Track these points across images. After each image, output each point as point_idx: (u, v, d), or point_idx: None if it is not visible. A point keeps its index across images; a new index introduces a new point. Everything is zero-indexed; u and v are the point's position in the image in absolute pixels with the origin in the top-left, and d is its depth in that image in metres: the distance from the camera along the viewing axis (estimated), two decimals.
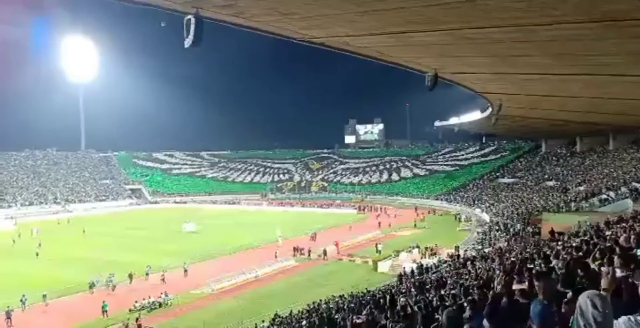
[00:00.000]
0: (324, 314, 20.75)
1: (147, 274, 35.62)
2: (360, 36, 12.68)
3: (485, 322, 4.86)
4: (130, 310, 28.07)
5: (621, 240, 9.94)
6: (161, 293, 30.26)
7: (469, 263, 25.82)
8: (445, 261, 32.46)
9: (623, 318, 2.65)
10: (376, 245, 43.86)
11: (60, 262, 40.56)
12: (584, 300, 2.63)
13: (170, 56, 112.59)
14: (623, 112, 32.38)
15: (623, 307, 3.18)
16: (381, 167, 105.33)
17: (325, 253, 42.49)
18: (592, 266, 7.20)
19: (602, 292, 2.97)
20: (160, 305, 29.56)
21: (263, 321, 24.32)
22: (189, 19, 9.59)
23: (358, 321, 10.42)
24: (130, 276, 34.50)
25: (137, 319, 25.92)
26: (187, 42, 9.82)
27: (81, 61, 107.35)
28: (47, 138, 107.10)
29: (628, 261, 5.68)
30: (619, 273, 5.19)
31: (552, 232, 27.85)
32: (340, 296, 25.64)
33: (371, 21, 11.03)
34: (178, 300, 30.08)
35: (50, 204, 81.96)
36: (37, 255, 42.81)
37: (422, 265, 33.02)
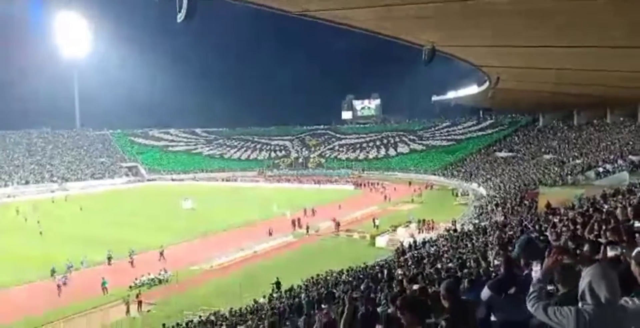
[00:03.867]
0: (323, 288, 21.00)
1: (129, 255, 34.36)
2: (357, 9, 12.47)
3: (485, 292, 4.90)
4: (130, 287, 28.32)
5: (617, 212, 9.98)
6: (160, 270, 30.52)
7: (465, 236, 26.07)
8: (443, 236, 32.70)
9: (623, 300, 2.65)
10: (373, 219, 44.14)
11: (57, 240, 40.61)
12: (594, 275, 2.63)
13: (165, 32, 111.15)
14: (621, 85, 32.21)
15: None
16: (378, 142, 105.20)
17: (338, 224, 43.52)
18: (589, 238, 7.24)
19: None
20: (159, 281, 29.84)
21: (264, 296, 24.58)
22: None
23: (355, 295, 10.48)
24: (109, 258, 34.00)
25: (137, 295, 26.18)
26: (180, 17, 9.64)
27: (75, 39, 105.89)
28: (42, 117, 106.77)
29: (620, 235, 5.69)
30: (609, 249, 5.19)
31: (548, 205, 28.11)
32: (339, 271, 25.90)
33: None
34: (177, 276, 30.32)
35: (46, 182, 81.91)
36: (40, 233, 42.29)
37: (418, 240, 33.29)
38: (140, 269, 31.48)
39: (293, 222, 44.44)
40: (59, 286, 28.30)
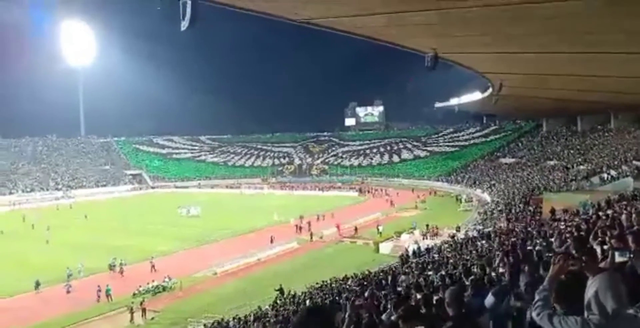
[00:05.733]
0: (328, 295, 20.92)
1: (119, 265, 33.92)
2: (361, 16, 12.52)
3: (489, 298, 4.89)
4: (134, 294, 28.25)
5: (623, 218, 9.93)
6: (164, 277, 30.46)
7: (470, 243, 25.99)
8: (447, 242, 32.60)
9: (632, 311, 2.62)
10: (377, 226, 44.02)
11: (63, 248, 40.54)
12: (600, 284, 2.60)
13: (169, 39, 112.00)
14: (623, 91, 32.16)
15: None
16: (382, 149, 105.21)
17: (356, 229, 44.08)
18: (593, 245, 7.20)
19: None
20: (163, 288, 29.76)
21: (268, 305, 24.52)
22: (185, 2, 9.46)
23: (358, 303, 10.44)
24: (113, 266, 33.60)
25: (141, 303, 26.13)
26: (184, 25, 9.71)
27: (80, 47, 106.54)
28: (47, 125, 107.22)
29: (625, 241, 5.65)
30: (617, 256, 5.15)
31: (552, 211, 28.00)
32: (342, 278, 25.81)
33: (371, 1, 10.87)
34: (181, 283, 30.28)
35: (51, 190, 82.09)
36: (47, 242, 41.87)
37: (422, 246, 33.18)
38: (131, 279, 31.11)
39: (300, 228, 44.90)
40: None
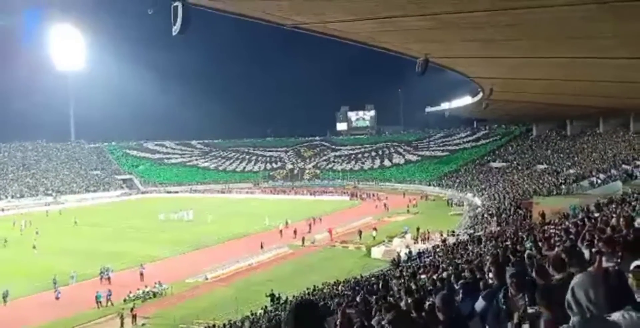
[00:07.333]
0: (321, 300, 20.88)
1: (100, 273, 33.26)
2: (351, 22, 12.56)
3: (480, 302, 4.91)
4: (124, 300, 28.08)
5: (613, 221, 10.01)
6: (155, 283, 30.26)
7: (461, 246, 26.08)
8: (438, 246, 32.67)
9: (617, 314, 2.61)
10: (373, 229, 43.99)
11: (51, 253, 40.18)
12: (577, 284, 2.61)
13: (159, 44, 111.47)
14: (613, 95, 32.46)
15: (610, 292, 3.16)
16: (373, 153, 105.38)
17: (360, 233, 43.90)
18: (581, 248, 7.25)
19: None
20: (154, 294, 29.56)
21: (262, 309, 24.44)
22: (176, 6, 9.45)
23: (349, 311, 10.41)
24: (101, 273, 32.93)
25: (131, 309, 25.94)
26: (175, 30, 9.69)
27: (70, 51, 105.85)
28: (37, 129, 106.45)
29: (613, 245, 5.70)
30: (605, 260, 5.19)
31: (542, 215, 28.20)
32: (334, 282, 25.80)
33: (362, 5, 10.92)
34: (172, 289, 30.10)
35: (41, 195, 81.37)
36: (34, 247, 41.35)
37: (413, 250, 33.24)
38: (119, 286, 30.66)
39: (295, 232, 45.00)
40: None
